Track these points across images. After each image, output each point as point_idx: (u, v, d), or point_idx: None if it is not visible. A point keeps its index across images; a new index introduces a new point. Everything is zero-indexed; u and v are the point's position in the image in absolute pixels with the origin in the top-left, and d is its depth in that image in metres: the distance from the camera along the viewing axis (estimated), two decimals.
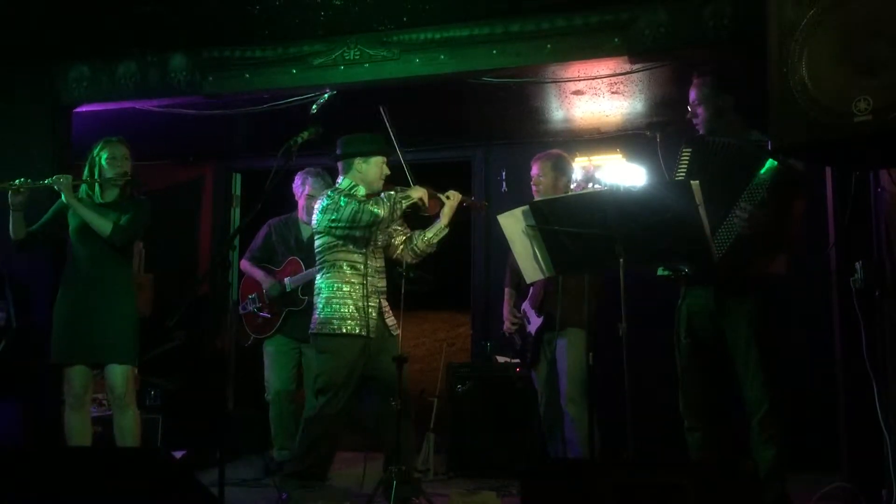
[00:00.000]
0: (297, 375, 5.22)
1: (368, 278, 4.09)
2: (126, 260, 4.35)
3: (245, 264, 5.32)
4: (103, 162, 4.26)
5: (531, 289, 4.56)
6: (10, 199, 4.11)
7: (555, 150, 4.62)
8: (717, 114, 3.56)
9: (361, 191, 4.15)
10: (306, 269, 5.03)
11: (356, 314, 4.03)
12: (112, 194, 4.30)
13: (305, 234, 5.21)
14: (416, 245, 4.20)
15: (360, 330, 4.02)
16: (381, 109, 4.13)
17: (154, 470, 2.60)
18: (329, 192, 4.14)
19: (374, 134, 4.22)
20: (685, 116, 3.67)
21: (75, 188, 4.25)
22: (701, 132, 3.60)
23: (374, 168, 4.16)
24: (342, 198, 4.04)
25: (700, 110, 3.59)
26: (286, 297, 5.11)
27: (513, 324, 4.72)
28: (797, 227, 3.44)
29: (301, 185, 5.18)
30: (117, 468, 2.64)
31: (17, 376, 4.80)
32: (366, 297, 4.05)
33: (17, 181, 4.10)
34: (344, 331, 4.01)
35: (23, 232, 4.19)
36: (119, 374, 4.16)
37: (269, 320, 5.15)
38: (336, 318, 4.03)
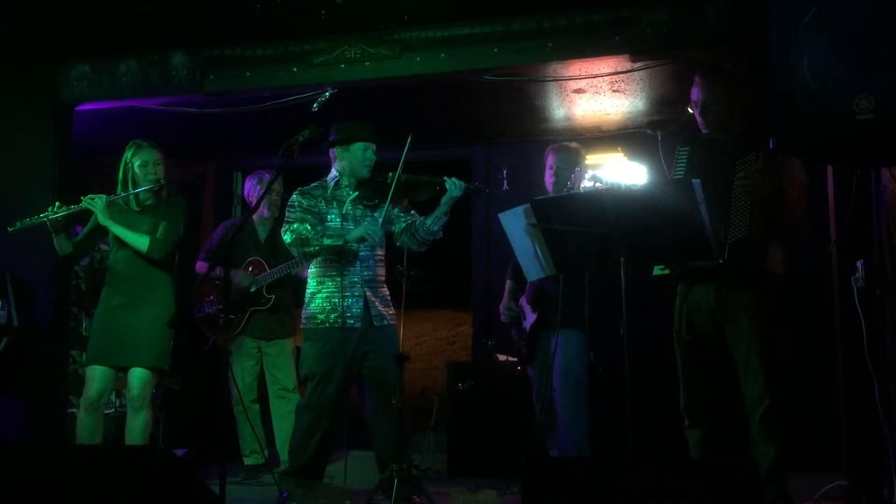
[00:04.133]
0: (259, 376, 5.22)
1: (350, 268, 4.09)
2: (164, 263, 4.32)
3: (203, 265, 5.25)
4: (136, 169, 4.27)
5: (528, 284, 4.57)
6: (49, 226, 4.13)
7: (573, 143, 4.62)
8: (730, 112, 3.53)
9: (345, 181, 4.19)
10: (269, 268, 5.06)
11: (337, 306, 4.05)
12: (149, 199, 4.34)
13: (263, 234, 5.24)
14: (417, 233, 4.16)
15: (337, 321, 4.04)
16: (409, 138, 4.00)
17: (155, 468, 2.60)
18: (295, 193, 4.18)
19: (357, 121, 4.22)
20: (686, 115, 3.66)
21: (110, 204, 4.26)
22: (705, 132, 3.57)
23: (354, 155, 4.17)
24: (290, 203, 4.13)
25: (713, 109, 3.53)
26: (251, 296, 5.09)
27: (508, 314, 4.75)
28: (796, 209, 3.42)
29: (256, 186, 5.18)
30: (119, 466, 2.64)
31: (19, 375, 4.80)
32: (344, 288, 4.06)
33: (51, 210, 4.12)
34: (326, 326, 4.06)
35: (69, 248, 4.27)
36: (138, 377, 4.20)
37: (232, 321, 5.09)
38: (318, 313, 4.09)
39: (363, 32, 4.65)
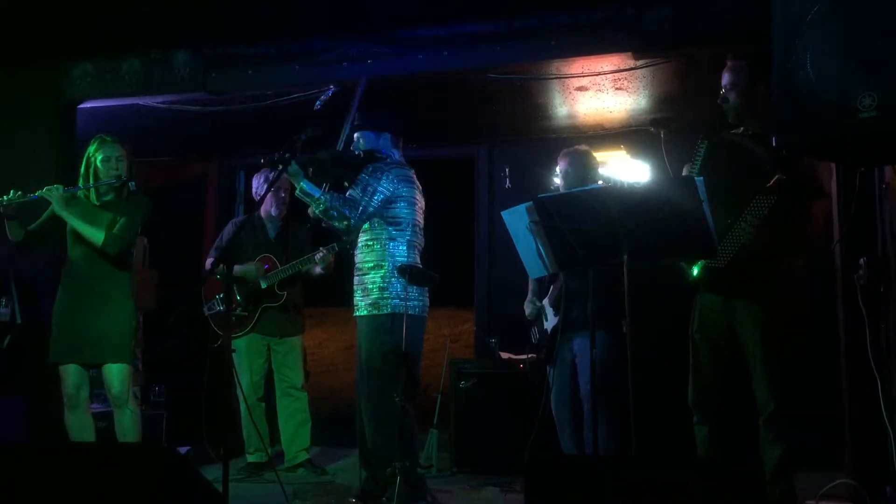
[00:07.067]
0: (266, 373, 5.20)
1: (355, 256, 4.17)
2: (123, 259, 4.27)
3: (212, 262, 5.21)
4: (98, 163, 4.19)
5: (552, 286, 4.57)
6: (2, 212, 4.05)
7: (583, 146, 4.62)
8: (747, 103, 3.46)
9: None
10: (280, 265, 5.05)
11: None
12: (110, 194, 4.25)
13: (272, 232, 5.22)
14: None
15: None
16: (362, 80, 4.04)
17: (158, 466, 2.61)
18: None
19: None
20: (688, 112, 3.65)
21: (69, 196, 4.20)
22: (729, 119, 3.53)
23: None
24: None
25: (732, 96, 3.49)
26: (263, 293, 5.08)
27: (530, 309, 4.73)
28: (811, 228, 3.41)
29: (263, 185, 5.11)
30: (121, 464, 2.64)
31: (22, 372, 4.81)
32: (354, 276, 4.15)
33: (5, 198, 4.04)
34: None
35: (20, 234, 4.16)
36: (116, 373, 4.13)
37: (243, 318, 5.09)
38: None
39: (366, 30, 4.65)
